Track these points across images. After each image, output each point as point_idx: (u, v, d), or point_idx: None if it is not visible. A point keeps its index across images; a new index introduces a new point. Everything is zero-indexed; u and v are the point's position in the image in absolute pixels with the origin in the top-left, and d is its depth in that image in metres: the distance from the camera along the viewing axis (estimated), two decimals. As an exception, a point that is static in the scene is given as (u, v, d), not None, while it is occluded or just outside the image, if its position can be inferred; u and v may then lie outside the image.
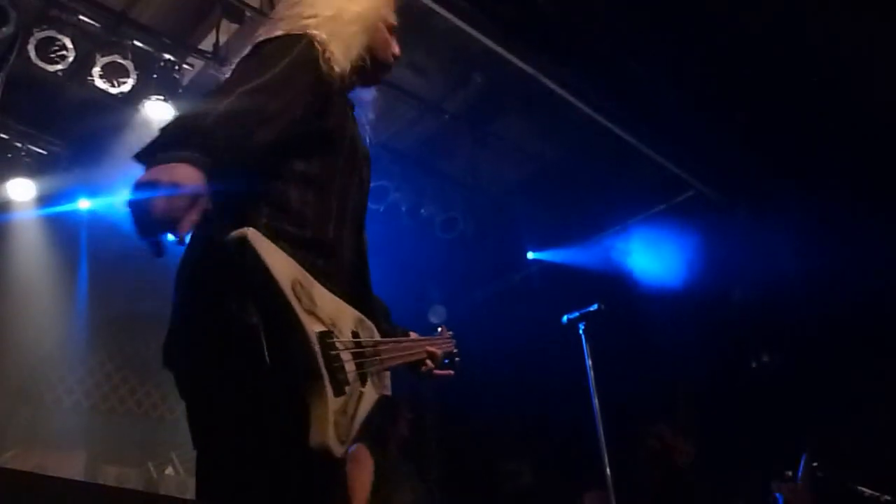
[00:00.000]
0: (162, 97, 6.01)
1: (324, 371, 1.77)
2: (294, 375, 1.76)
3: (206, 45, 6.15)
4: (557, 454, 7.46)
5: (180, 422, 2.05)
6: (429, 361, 2.60)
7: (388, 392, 2.17)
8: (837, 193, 6.21)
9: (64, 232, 7.19)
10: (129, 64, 5.76)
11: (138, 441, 7.41)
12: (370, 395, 2.00)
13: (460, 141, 7.41)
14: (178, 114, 1.96)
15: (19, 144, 6.63)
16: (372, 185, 2.40)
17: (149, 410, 7.82)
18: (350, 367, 1.89)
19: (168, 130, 1.79)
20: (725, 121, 6.53)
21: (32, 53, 5.46)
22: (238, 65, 2.15)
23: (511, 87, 6.63)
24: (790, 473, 5.09)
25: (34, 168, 6.71)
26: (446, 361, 2.74)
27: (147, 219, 1.67)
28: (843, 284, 6.21)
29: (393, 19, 2.50)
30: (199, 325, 1.91)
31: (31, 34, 5.44)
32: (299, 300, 1.77)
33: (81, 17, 5.71)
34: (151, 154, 1.74)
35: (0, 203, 6.74)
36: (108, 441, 7.32)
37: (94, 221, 7.20)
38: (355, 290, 2.15)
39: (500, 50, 5.99)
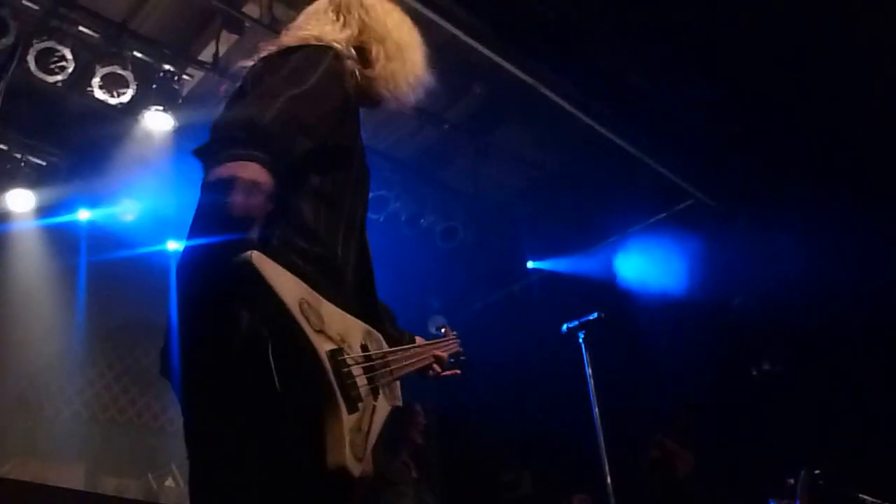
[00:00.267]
0: (161, 108, 6.03)
1: (336, 390, 1.74)
2: (306, 396, 1.73)
3: (206, 55, 6.18)
4: (557, 463, 7.44)
5: (181, 433, 2.00)
6: (436, 366, 2.60)
7: (400, 403, 2.17)
8: (838, 200, 6.22)
9: (63, 242, 7.18)
10: (128, 74, 5.78)
11: (138, 452, 7.39)
12: (383, 407, 1.99)
13: (461, 151, 7.44)
14: (231, 111, 1.93)
15: (19, 155, 6.63)
16: (372, 194, 2.38)
17: (149, 421, 7.80)
18: (362, 381, 1.87)
19: (231, 128, 1.79)
20: (725, 130, 6.55)
21: (32, 64, 5.48)
22: (267, 66, 2.12)
23: (511, 97, 6.65)
24: (791, 481, 5.08)
25: (34, 179, 6.71)
26: (451, 361, 2.74)
27: (226, 216, 1.67)
28: (843, 292, 6.22)
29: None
30: (208, 342, 1.86)
31: (31, 45, 5.47)
32: (308, 319, 1.74)
33: (81, 27, 5.74)
34: (216, 151, 1.74)
35: (0, 213, 6.74)
36: (107, 452, 7.30)
37: (94, 232, 7.20)
38: (361, 302, 2.14)
39: (500, 60, 6.01)
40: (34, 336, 7.14)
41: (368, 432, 1.85)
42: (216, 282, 1.81)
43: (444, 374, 2.66)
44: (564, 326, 4.45)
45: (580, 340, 4.38)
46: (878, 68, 5.82)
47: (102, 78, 5.75)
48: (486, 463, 8.14)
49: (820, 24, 5.56)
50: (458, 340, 2.82)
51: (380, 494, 4.66)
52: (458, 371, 2.74)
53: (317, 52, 2.12)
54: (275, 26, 5.64)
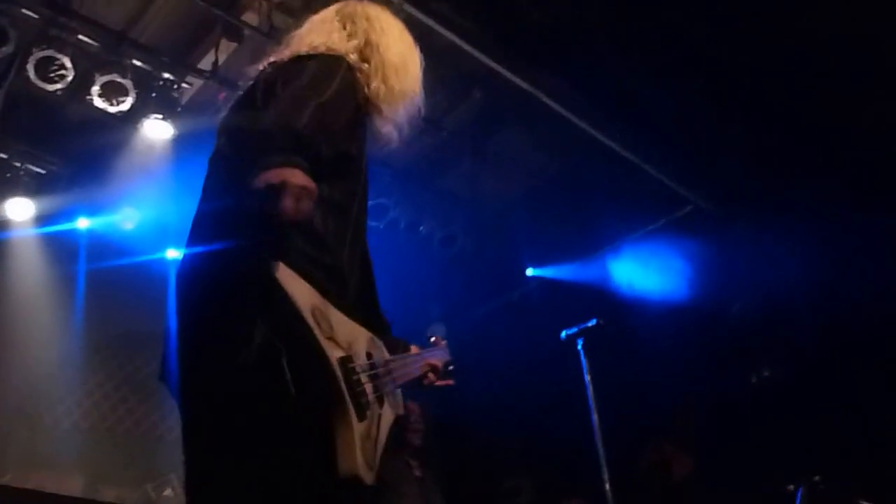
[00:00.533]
0: (161, 116, 6.05)
1: (347, 397, 1.75)
2: (318, 402, 1.74)
3: (205, 64, 6.18)
4: (557, 470, 7.43)
5: (179, 443, 1.99)
6: (430, 374, 2.62)
7: (402, 411, 2.17)
8: (837, 206, 6.22)
9: (63, 251, 7.19)
10: (128, 83, 5.79)
11: (137, 462, 7.38)
12: (388, 415, 2.01)
13: (460, 157, 7.44)
14: (261, 115, 1.93)
15: (18, 163, 6.63)
16: (371, 202, 2.40)
17: (147, 431, 7.79)
18: (369, 389, 1.88)
19: (271, 134, 1.80)
20: (723, 136, 6.56)
21: (32, 73, 5.49)
22: (282, 73, 2.13)
23: (510, 103, 6.66)
24: (791, 488, 5.08)
25: (33, 187, 6.72)
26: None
27: (277, 221, 1.70)
28: (843, 297, 6.21)
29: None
30: (219, 347, 1.86)
31: (31, 53, 5.48)
32: (319, 326, 1.76)
33: (81, 36, 5.75)
34: (259, 156, 1.76)
35: (-1, 222, 6.75)
36: (106, 462, 7.29)
37: (93, 240, 7.20)
38: (363, 310, 2.16)
39: (498, 67, 6.03)
40: (33, 345, 7.14)
41: (377, 440, 1.87)
42: (235, 286, 1.82)
43: (439, 383, 2.67)
44: (563, 333, 4.44)
45: (579, 347, 4.38)
46: (877, 71, 5.83)
47: (102, 86, 5.76)
48: (485, 470, 8.12)
49: (817, 28, 5.57)
50: (448, 350, 2.83)
51: (380, 498, 4.64)
52: (452, 381, 2.75)
53: (332, 61, 2.15)
54: (274, 34, 5.65)
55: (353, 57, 2.26)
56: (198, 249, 2.00)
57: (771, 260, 6.82)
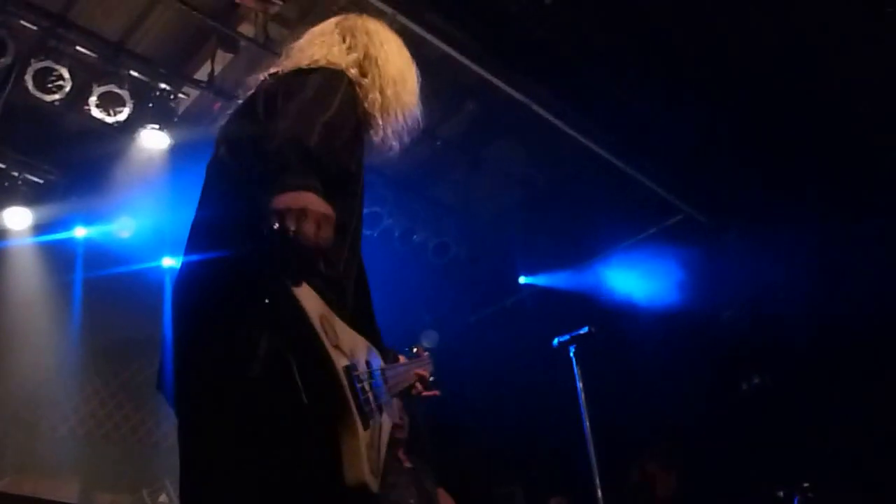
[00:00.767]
0: (157, 126, 6.08)
1: (353, 406, 1.75)
2: (324, 410, 1.73)
3: (202, 74, 6.22)
4: (549, 477, 7.45)
5: (175, 449, 2.01)
6: (418, 384, 2.66)
7: (398, 419, 2.19)
8: (827, 215, 6.26)
9: (60, 260, 7.21)
10: (125, 93, 5.83)
11: (133, 468, 7.40)
12: (387, 424, 2.02)
13: (453, 167, 7.49)
14: (278, 128, 1.88)
15: (16, 173, 6.66)
16: (365, 210, 2.40)
17: (143, 437, 7.81)
18: (371, 397, 1.89)
19: (285, 154, 1.78)
20: (714, 145, 6.60)
21: (30, 83, 5.52)
22: (283, 85, 2.12)
23: (503, 113, 6.71)
24: (781, 494, 5.11)
25: (30, 196, 6.74)
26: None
27: (297, 246, 1.67)
28: (834, 306, 6.24)
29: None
30: (220, 355, 1.85)
31: (29, 64, 5.51)
32: (326, 334, 1.76)
33: (78, 47, 5.79)
34: (274, 177, 1.73)
35: (-3, 231, 6.78)
36: (102, 468, 7.30)
37: (90, 249, 7.23)
38: (360, 320, 2.15)
39: (491, 78, 6.07)
40: (30, 352, 7.15)
41: (379, 448, 1.88)
42: (236, 294, 1.82)
43: (426, 393, 2.71)
44: (556, 341, 4.46)
45: (571, 355, 4.41)
46: (865, 85, 5.88)
47: (99, 97, 5.80)
48: (477, 477, 8.13)
49: (808, 41, 5.63)
50: (431, 360, 2.86)
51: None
52: (438, 392, 2.78)
53: (334, 76, 2.15)
54: (270, 46, 5.70)
55: (353, 71, 2.26)
56: (196, 257, 2.00)
57: (761, 268, 6.85)
